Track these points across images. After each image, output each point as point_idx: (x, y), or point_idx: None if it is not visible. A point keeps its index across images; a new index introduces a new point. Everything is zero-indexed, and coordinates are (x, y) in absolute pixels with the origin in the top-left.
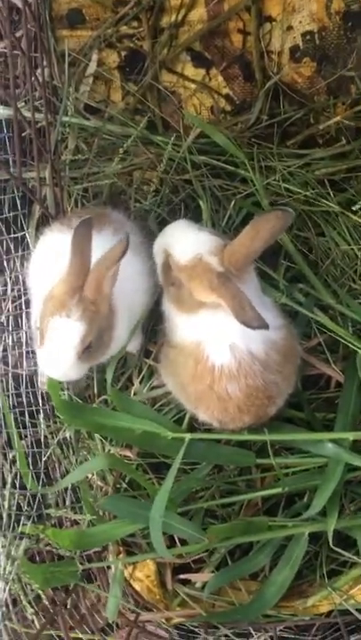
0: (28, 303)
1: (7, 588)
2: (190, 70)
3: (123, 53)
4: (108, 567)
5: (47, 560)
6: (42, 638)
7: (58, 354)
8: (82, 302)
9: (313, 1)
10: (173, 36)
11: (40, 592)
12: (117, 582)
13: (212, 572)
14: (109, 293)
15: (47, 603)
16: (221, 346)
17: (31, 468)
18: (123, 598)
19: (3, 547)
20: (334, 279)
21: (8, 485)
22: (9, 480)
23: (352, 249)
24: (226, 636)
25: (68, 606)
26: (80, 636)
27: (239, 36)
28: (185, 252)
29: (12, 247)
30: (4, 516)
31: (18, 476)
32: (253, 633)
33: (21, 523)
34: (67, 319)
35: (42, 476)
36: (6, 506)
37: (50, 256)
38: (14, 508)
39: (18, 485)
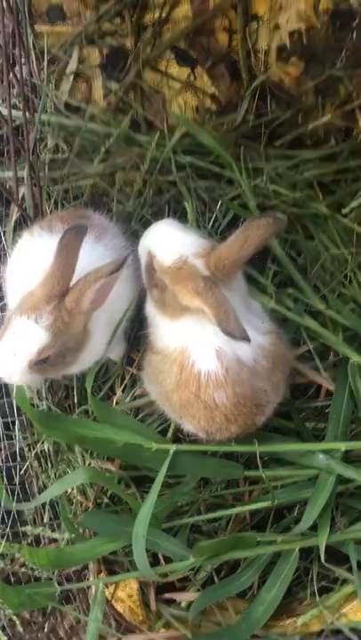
0: (3, 308)
1: None
2: (175, 69)
3: (105, 51)
4: (88, 587)
5: (23, 582)
6: None
7: (10, 355)
8: (56, 311)
9: None
10: (157, 34)
11: (13, 616)
12: (98, 604)
13: (198, 590)
14: (89, 311)
15: (21, 628)
16: (207, 351)
17: (6, 482)
18: (104, 620)
19: None
20: (324, 284)
21: None
22: None
23: (342, 253)
24: None
25: (46, 629)
26: None
27: (225, 35)
28: (169, 253)
29: None
30: None
31: None
32: None
33: None
34: (33, 324)
35: (17, 490)
36: None
37: (28, 260)
38: None
39: None
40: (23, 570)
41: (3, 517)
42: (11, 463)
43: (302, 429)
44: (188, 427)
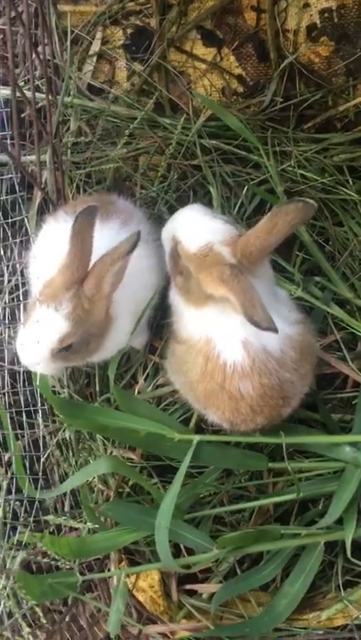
0: (26, 294)
1: (1, 606)
2: (200, 49)
3: (128, 31)
4: (110, 577)
5: (44, 571)
6: None
7: (32, 344)
8: (75, 298)
9: None
10: (183, 13)
11: (35, 606)
12: (120, 595)
13: (220, 582)
14: (109, 295)
15: (43, 619)
16: (233, 342)
17: (28, 471)
18: (125, 610)
19: None
20: (353, 272)
21: (3, 492)
22: (4, 486)
23: None
24: None
25: (67, 618)
26: None
27: (253, 14)
28: (195, 239)
29: (9, 234)
30: None
31: (14, 481)
32: None
33: (18, 531)
34: (54, 312)
35: (40, 480)
36: (0, 514)
37: (53, 247)
38: (9, 514)
39: (14, 489)
40: (45, 560)
41: (25, 507)
42: (33, 452)
43: (328, 421)
44: (213, 417)
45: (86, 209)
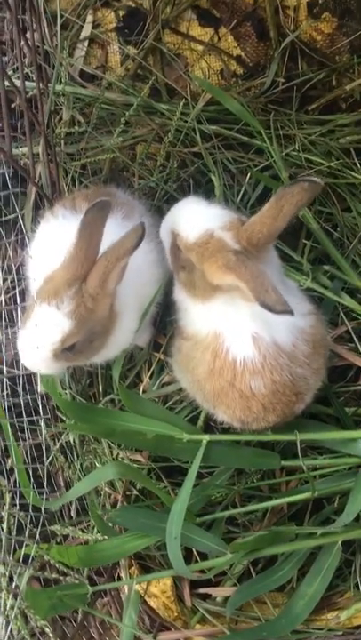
0: (23, 294)
1: (9, 627)
2: (197, 30)
3: (121, 13)
4: (119, 580)
5: (51, 576)
6: None
7: (34, 345)
8: (78, 295)
9: None
10: None
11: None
12: (132, 604)
13: (234, 584)
14: (113, 292)
15: (52, 638)
16: (243, 337)
17: (31, 476)
18: (137, 616)
19: (2, 576)
20: None
21: (7, 505)
22: (7, 498)
23: None
24: None
25: (77, 623)
26: None
27: None
28: (193, 227)
29: (2, 232)
30: (4, 538)
31: (17, 490)
32: None
33: (24, 544)
34: (55, 311)
35: (45, 492)
36: (5, 528)
37: (52, 244)
38: (14, 525)
39: (17, 500)
40: (53, 575)
41: (30, 517)
42: (35, 456)
43: (342, 415)
44: (223, 416)
45: (98, 203)
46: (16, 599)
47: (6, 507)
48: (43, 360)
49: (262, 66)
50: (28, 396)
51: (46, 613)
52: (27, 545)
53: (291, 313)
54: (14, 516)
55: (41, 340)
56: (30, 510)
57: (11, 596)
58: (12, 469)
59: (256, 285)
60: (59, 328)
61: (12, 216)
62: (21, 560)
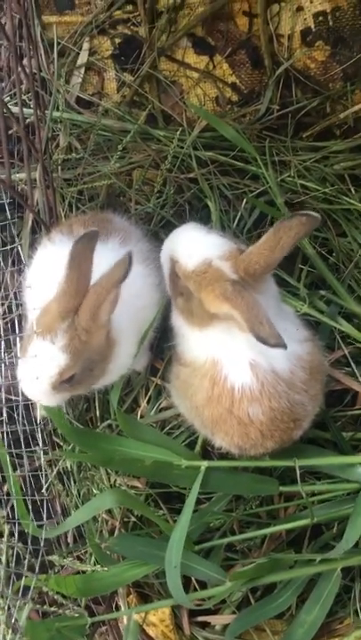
0: (21, 322)
1: None
2: (192, 57)
3: (117, 40)
4: (117, 608)
5: (48, 604)
6: None
7: (33, 378)
8: (71, 329)
9: None
10: (172, 21)
11: None
12: (131, 634)
13: (233, 612)
14: (107, 322)
15: None
16: (241, 364)
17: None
18: None
19: (1, 609)
20: (358, 284)
21: (5, 538)
22: (6, 530)
23: None
24: None
25: None
26: None
27: (245, 19)
28: (192, 256)
29: (0, 260)
30: (2, 570)
31: (15, 516)
32: None
33: (23, 577)
34: (50, 345)
35: (44, 518)
36: (4, 560)
37: (50, 272)
38: (13, 557)
39: (16, 531)
40: (52, 608)
41: (27, 541)
42: (32, 481)
43: (339, 440)
44: (221, 443)
45: (86, 234)
46: (15, 634)
47: (4, 539)
48: (42, 393)
49: (257, 93)
50: (25, 423)
51: None
52: (26, 576)
53: (284, 347)
54: (12, 548)
55: (39, 373)
56: (29, 543)
57: (10, 631)
58: (7, 495)
59: (251, 317)
60: (54, 362)
61: (10, 247)
62: (19, 594)
